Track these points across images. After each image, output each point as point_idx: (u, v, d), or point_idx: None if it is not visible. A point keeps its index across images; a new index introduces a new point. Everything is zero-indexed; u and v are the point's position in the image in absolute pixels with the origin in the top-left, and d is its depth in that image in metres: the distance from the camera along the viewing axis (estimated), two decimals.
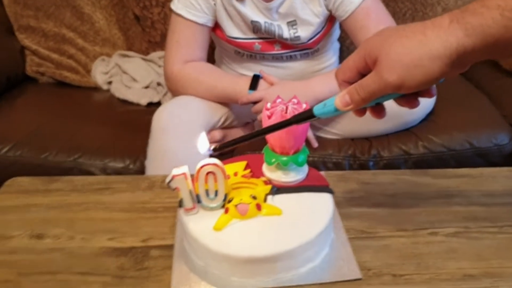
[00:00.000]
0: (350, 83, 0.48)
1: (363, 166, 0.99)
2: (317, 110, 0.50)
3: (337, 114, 0.50)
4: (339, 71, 0.49)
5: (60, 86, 1.33)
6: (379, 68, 0.44)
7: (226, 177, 0.55)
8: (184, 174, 0.54)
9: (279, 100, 0.58)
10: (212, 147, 0.55)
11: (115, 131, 1.09)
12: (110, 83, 1.28)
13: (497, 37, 0.41)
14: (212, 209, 0.56)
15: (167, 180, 0.54)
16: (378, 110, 0.50)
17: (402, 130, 1.02)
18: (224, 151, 0.57)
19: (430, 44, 0.42)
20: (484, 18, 0.41)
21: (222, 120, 1.01)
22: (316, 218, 0.55)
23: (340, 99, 0.48)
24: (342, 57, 1.20)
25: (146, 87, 1.24)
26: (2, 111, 1.14)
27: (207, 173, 0.54)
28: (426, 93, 0.47)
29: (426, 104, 1.01)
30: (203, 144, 0.55)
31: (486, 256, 0.56)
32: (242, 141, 0.55)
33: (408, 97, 0.47)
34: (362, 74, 0.47)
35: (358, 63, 0.47)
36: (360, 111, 0.50)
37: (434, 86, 0.47)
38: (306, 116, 0.51)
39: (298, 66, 1.06)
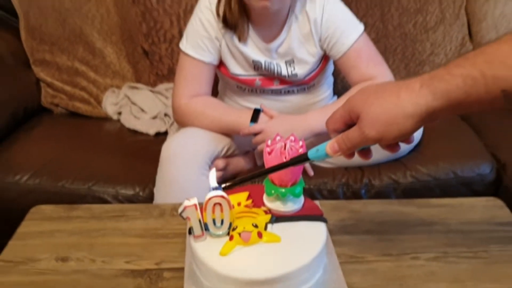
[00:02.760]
0: (339, 131, 0.56)
1: (356, 194, 1.06)
2: (311, 154, 0.58)
3: (328, 158, 0.58)
4: (329, 121, 0.57)
5: (73, 116, 1.41)
6: (361, 124, 0.52)
7: (231, 207, 0.62)
8: (194, 205, 0.61)
9: (278, 137, 0.66)
10: (223, 186, 0.62)
11: (125, 160, 1.17)
12: (120, 113, 1.36)
13: (460, 101, 0.48)
14: (218, 236, 0.62)
15: (180, 210, 0.61)
16: (365, 153, 0.58)
17: (392, 160, 1.09)
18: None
19: (403, 105, 0.50)
20: (449, 84, 0.48)
21: (225, 149, 1.09)
22: (311, 244, 0.62)
23: (330, 146, 0.55)
24: (335, 89, 1.28)
25: (154, 117, 1.32)
26: (21, 141, 1.22)
27: (214, 204, 0.61)
28: (405, 140, 0.55)
29: (414, 136, 1.08)
30: (213, 181, 0.62)
31: (462, 279, 0.63)
32: (249, 179, 0.63)
33: (389, 144, 0.55)
34: (348, 125, 0.55)
35: (344, 117, 0.55)
36: (349, 155, 0.57)
37: (413, 134, 0.54)
38: (302, 159, 0.59)
39: (295, 99, 1.15)
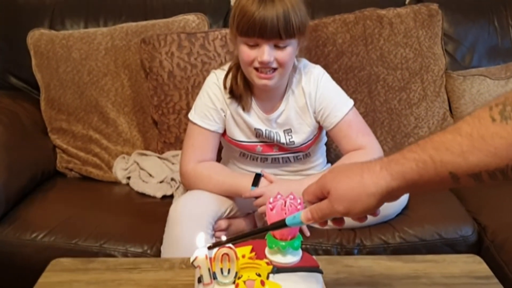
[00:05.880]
0: (312, 203, 0.64)
1: (349, 253, 1.13)
2: (288, 220, 0.66)
3: (303, 225, 0.66)
4: (305, 193, 0.66)
5: (86, 180, 1.50)
6: (331, 199, 0.60)
7: (237, 258, 0.71)
8: (205, 255, 0.70)
9: (279, 196, 0.76)
10: (208, 245, 0.69)
11: (134, 221, 1.25)
12: (129, 178, 1.45)
13: (414, 181, 0.55)
14: (225, 284, 0.70)
15: (192, 259, 0.70)
16: (338, 222, 0.67)
17: (382, 223, 1.18)
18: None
19: (366, 185, 0.57)
20: (405, 167, 0.55)
21: (228, 211, 1.18)
22: None
23: (304, 215, 0.64)
24: (329, 158, 1.39)
25: (161, 181, 1.41)
26: (37, 202, 1.31)
27: (223, 255, 0.70)
28: (371, 213, 0.62)
29: (402, 200, 1.19)
30: (200, 242, 0.70)
31: None
32: (232, 240, 0.70)
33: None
34: (320, 198, 0.63)
35: (317, 192, 0.63)
36: (322, 223, 0.66)
37: (379, 208, 0.61)
38: (281, 225, 0.67)
39: (291, 167, 1.25)
